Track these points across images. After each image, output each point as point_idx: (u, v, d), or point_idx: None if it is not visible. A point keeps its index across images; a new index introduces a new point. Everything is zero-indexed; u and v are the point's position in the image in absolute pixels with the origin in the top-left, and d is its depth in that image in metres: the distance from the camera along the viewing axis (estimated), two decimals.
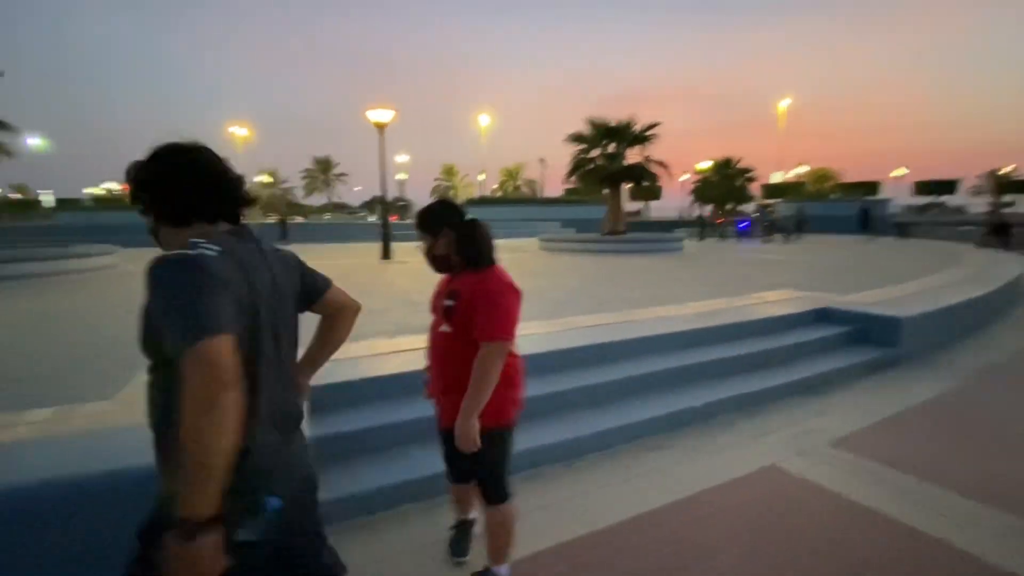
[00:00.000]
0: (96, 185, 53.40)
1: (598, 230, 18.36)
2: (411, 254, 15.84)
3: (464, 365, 1.68)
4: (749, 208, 35.67)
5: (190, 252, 0.96)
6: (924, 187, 48.14)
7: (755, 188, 35.65)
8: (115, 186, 52.88)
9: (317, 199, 64.95)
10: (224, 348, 0.88)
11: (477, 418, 1.64)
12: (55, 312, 5.95)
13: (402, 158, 49.00)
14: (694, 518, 2.40)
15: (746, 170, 32.29)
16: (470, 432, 1.64)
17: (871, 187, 37.94)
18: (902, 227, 23.46)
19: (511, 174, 61.22)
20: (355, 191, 73.29)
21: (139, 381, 3.01)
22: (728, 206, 32.46)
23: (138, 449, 2.10)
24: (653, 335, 4.06)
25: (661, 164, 15.88)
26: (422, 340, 3.90)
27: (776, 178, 45.49)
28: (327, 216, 48.79)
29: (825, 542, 2.21)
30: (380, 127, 11.84)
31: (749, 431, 3.33)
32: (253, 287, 1.05)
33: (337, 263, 11.17)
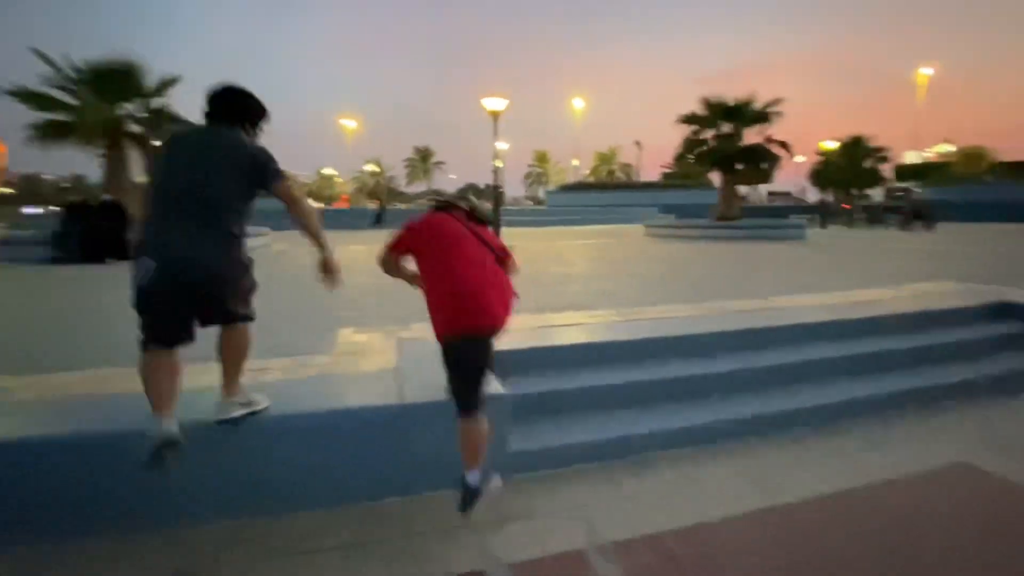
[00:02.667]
0: None
1: (698, 215, 17.52)
2: (517, 239, 16.38)
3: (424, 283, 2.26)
4: (878, 193, 31.96)
5: None
6: None
7: (886, 170, 31.75)
8: None
9: (418, 187, 68.16)
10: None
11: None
12: None
13: (503, 145, 49.80)
14: (887, 505, 2.36)
15: (878, 150, 28.82)
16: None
17: None
18: None
19: (605, 158, 59.87)
20: (451, 179, 75.96)
21: (345, 340, 3.53)
22: (853, 190, 29.26)
23: (364, 392, 2.53)
24: (811, 322, 3.92)
25: (783, 145, 14.78)
26: (565, 317, 4.14)
27: (911, 158, 40.23)
28: (423, 202, 51.03)
29: None
30: (495, 115, 12.23)
31: (932, 427, 3.15)
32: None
33: None
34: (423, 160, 67.66)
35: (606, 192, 35.12)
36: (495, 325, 2.18)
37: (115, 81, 10.01)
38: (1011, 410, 3.38)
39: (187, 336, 2.05)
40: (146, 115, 10.71)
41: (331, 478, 2.32)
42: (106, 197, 9.47)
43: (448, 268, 2.14)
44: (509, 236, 14.36)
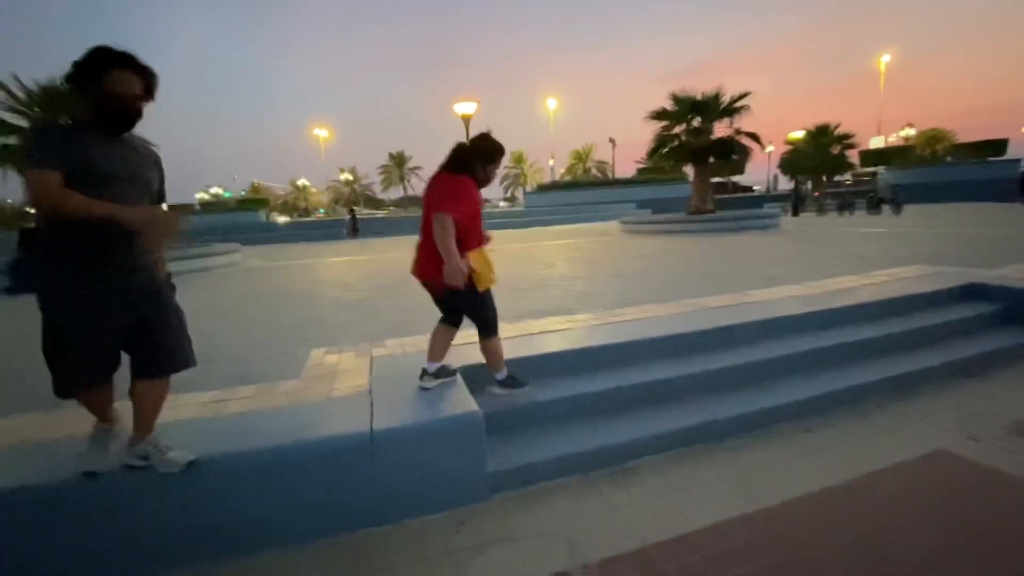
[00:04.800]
0: (204, 190, 59.06)
1: (675, 209, 17.68)
2: (496, 242, 16.18)
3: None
4: (847, 177, 32.72)
5: None
6: None
7: (852, 156, 32.54)
8: (220, 190, 58.52)
9: (394, 192, 67.67)
10: None
11: None
12: (218, 303, 6.75)
13: None
14: (869, 499, 2.35)
15: (844, 136, 29.51)
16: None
17: (997, 146, 32.92)
18: None
19: (580, 157, 60.06)
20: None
21: (316, 362, 3.41)
22: (824, 177, 29.92)
23: (331, 420, 2.42)
24: (785, 315, 3.93)
25: (752, 136, 14.98)
26: (543, 324, 4.05)
27: (876, 143, 41.26)
28: (383, 212, 50.21)
29: (1019, 532, 2.09)
30: (466, 119, 12.14)
31: (909, 414, 3.16)
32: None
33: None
34: (398, 165, 67.07)
35: (583, 190, 35.15)
36: (419, 278, 2.74)
37: (69, 100, 9.61)
38: (982, 392, 3.42)
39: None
40: None
41: (300, 513, 2.22)
42: None
43: None
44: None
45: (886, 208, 18.76)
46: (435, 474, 2.39)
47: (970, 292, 4.75)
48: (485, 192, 2.86)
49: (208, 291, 7.85)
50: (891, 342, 3.89)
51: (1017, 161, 27.72)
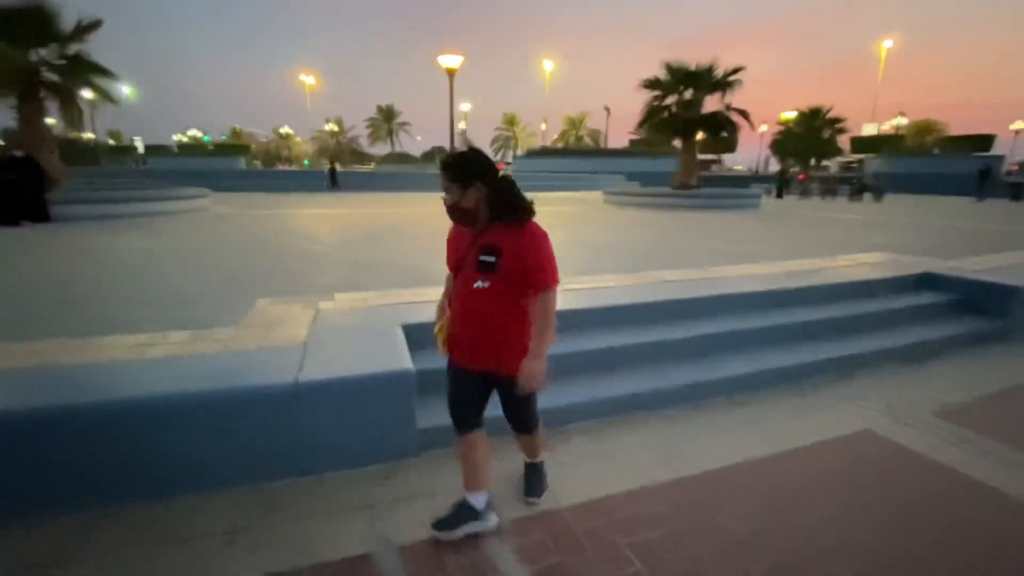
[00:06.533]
0: (182, 132, 56.79)
1: (662, 183, 17.57)
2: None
3: (500, 316, 1.77)
4: (834, 164, 32.79)
5: None
6: None
7: (844, 141, 32.45)
8: (198, 133, 56.40)
9: (381, 148, 65.88)
10: None
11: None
12: (175, 247, 6.55)
13: (465, 106, 48.32)
14: (785, 473, 2.40)
15: (835, 120, 29.34)
16: (543, 370, 1.74)
17: (983, 141, 33.17)
18: (1016, 188, 20.84)
19: (574, 123, 58.98)
20: (417, 140, 73.59)
21: (259, 312, 3.32)
22: (812, 161, 29.90)
23: (258, 368, 2.37)
24: (740, 292, 3.94)
25: (742, 113, 14.78)
26: None
27: (869, 130, 41.23)
28: (370, 166, 48.75)
29: (927, 511, 2.16)
30: (450, 73, 11.70)
31: (844, 394, 3.23)
32: None
33: (401, 211, 11.46)
34: (386, 120, 65.10)
35: (573, 158, 34.73)
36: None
37: (23, 24, 8.96)
38: (918, 377, 3.51)
39: None
40: (62, 62, 9.72)
41: (220, 459, 2.18)
42: (17, 152, 8.63)
43: None
44: None
45: (868, 195, 18.92)
46: (363, 429, 2.37)
47: (925, 281, 4.82)
48: None
49: (166, 235, 7.60)
50: (839, 325, 3.94)
51: (1001, 157, 28.01)
